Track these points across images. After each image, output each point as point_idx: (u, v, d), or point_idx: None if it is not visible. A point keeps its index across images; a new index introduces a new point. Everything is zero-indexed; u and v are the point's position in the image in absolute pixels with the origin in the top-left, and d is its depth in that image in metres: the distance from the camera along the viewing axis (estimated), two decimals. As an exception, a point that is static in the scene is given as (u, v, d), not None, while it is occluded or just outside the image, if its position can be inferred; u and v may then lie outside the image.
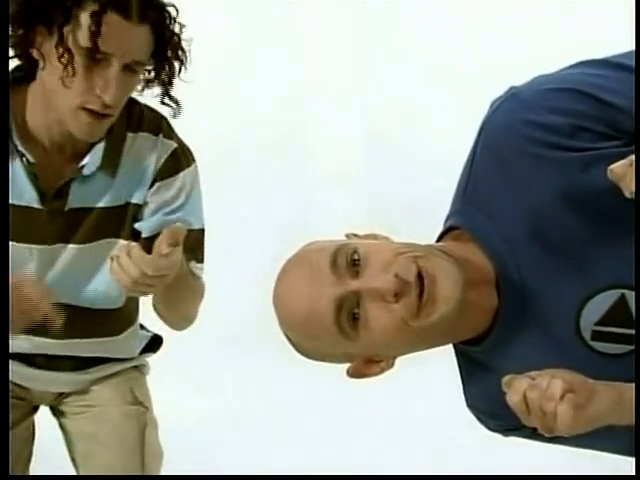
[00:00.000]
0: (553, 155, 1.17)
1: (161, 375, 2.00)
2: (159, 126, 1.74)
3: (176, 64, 1.67)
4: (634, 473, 1.28)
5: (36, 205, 1.67)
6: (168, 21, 1.62)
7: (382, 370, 1.25)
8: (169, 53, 1.65)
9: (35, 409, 1.93)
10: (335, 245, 1.19)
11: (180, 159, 1.75)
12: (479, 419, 1.36)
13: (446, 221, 1.29)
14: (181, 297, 1.73)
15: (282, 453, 2.96)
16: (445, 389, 3.32)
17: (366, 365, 1.24)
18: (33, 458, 1.93)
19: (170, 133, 1.76)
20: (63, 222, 1.70)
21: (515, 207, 1.20)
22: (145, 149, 1.73)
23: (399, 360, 1.25)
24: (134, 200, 1.73)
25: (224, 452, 2.89)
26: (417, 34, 4.01)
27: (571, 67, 1.25)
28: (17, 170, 1.64)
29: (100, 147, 1.67)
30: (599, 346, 1.21)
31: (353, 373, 1.25)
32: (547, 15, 3.83)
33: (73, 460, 1.95)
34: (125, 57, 1.56)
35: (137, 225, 1.76)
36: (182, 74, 1.69)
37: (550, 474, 2.76)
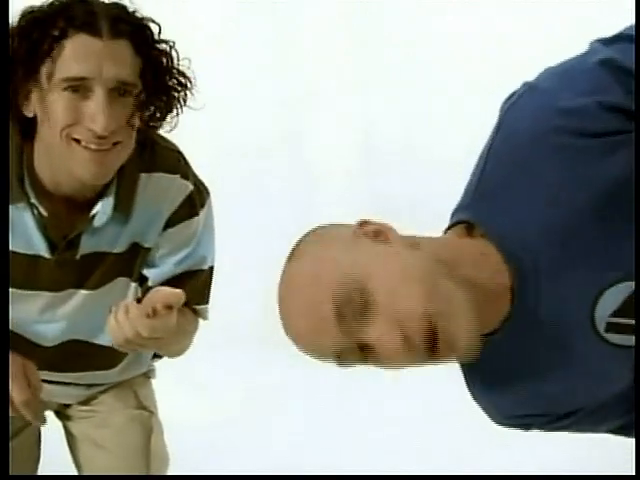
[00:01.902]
0: (576, 143, 1.15)
1: (162, 378, 2.00)
2: (175, 165, 1.65)
3: (176, 92, 1.57)
4: (634, 473, 1.28)
5: (46, 255, 1.62)
6: (150, 36, 1.52)
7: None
8: (163, 76, 1.55)
9: None
10: (339, 288, 1.11)
11: (195, 203, 1.67)
12: (488, 414, 1.35)
13: (454, 214, 1.26)
14: (174, 341, 1.69)
15: (285, 453, 2.96)
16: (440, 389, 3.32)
17: None
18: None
19: (186, 171, 1.67)
20: (74, 270, 1.64)
21: (531, 200, 1.18)
22: (160, 191, 1.64)
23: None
24: (146, 244, 1.67)
25: (225, 454, 2.89)
26: (417, 34, 4.00)
27: (585, 51, 1.24)
28: (27, 221, 1.58)
29: (111, 194, 1.58)
30: (613, 338, 1.20)
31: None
32: (547, 14, 3.83)
33: (76, 463, 1.94)
34: (107, 78, 1.46)
35: (146, 271, 1.70)
36: (188, 101, 1.59)
37: (551, 474, 2.76)
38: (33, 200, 1.57)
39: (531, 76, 1.26)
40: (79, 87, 1.46)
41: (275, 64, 4.09)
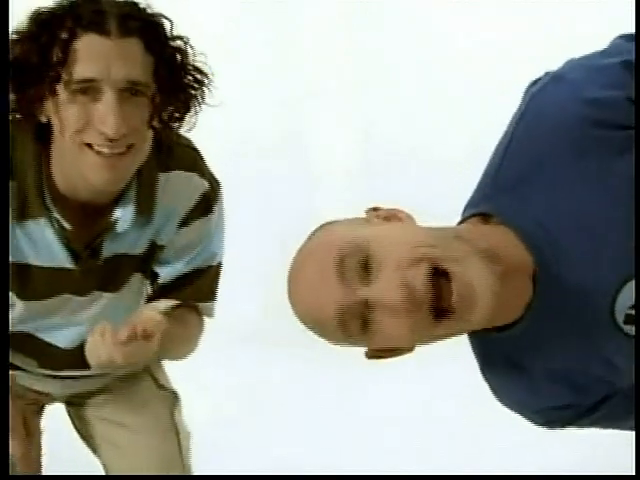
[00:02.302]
0: (602, 134, 1.14)
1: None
2: (192, 162, 1.62)
3: (192, 89, 1.53)
4: (634, 473, 1.28)
5: (70, 266, 1.59)
6: (162, 33, 1.48)
7: (402, 353, 1.20)
8: (177, 73, 1.50)
9: (42, 409, 1.90)
10: (346, 244, 1.11)
11: (210, 201, 1.65)
12: (512, 408, 1.33)
13: (468, 207, 1.24)
14: (173, 350, 1.69)
15: (285, 453, 2.96)
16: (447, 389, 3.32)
17: (384, 350, 1.19)
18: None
19: (203, 169, 1.64)
20: (97, 274, 1.62)
21: (553, 191, 1.16)
22: (177, 189, 1.61)
23: (419, 360, 1.21)
24: (160, 242, 1.65)
25: (225, 454, 2.89)
26: (417, 34, 4.00)
27: (610, 46, 1.23)
28: (48, 235, 1.55)
29: (131, 199, 1.54)
30: (631, 330, 1.19)
31: (371, 356, 1.20)
32: (547, 14, 3.83)
33: (96, 450, 1.91)
34: (117, 79, 1.41)
35: (158, 268, 1.68)
36: (206, 98, 1.55)
37: (551, 474, 2.76)
38: (55, 215, 1.53)
39: (531, 77, 1.25)
40: (88, 89, 1.41)
41: (275, 64, 4.09)
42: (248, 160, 4.03)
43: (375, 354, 1.20)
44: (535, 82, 1.23)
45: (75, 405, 1.92)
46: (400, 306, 1.07)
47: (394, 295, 1.07)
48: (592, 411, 1.28)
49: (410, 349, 1.19)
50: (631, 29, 1.24)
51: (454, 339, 1.23)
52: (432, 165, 3.95)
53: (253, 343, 3.48)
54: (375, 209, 1.22)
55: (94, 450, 1.94)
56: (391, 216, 1.20)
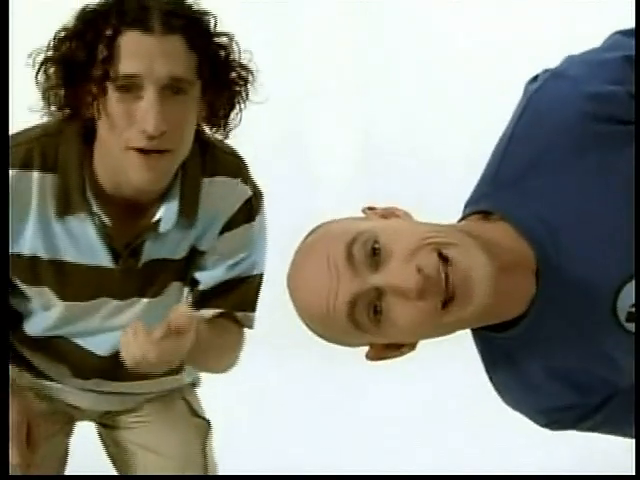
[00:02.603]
0: (603, 129, 1.14)
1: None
2: (236, 169, 1.61)
3: (237, 86, 1.51)
4: (634, 473, 1.28)
5: (109, 264, 1.57)
6: (205, 29, 1.46)
7: (403, 353, 1.20)
8: (222, 71, 1.48)
9: (72, 428, 1.86)
10: (352, 233, 1.12)
11: (253, 208, 1.64)
12: (519, 410, 1.32)
13: (469, 205, 1.24)
14: (211, 359, 1.65)
15: (285, 453, 2.96)
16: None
17: (386, 349, 1.19)
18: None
19: (247, 176, 1.63)
20: (136, 278, 1.60)
21: (554, 187, 1.16)
22: (221, 195, 1.59)
23: (420, 360, 1.21)
24: (201, 247, 1.62)
25: (226, 454, 2.89)
26: (417, 34, 4.00)
27: (605, 41, 1.23)
28: (89, 231, 1.53)
29: (175, 198, 1.53)
30: (632, 327, 1.19)
31: (373, 357, 1.20)
32: (547, 14, 3.82)
33: (123, 471, 1.87)
34: (159, 76, 1.39)
35: (198, 274, 1.65)
36: (250, 95, 1.54)
37: (551, 474, 2.76)
38: (95, 209, 1.51)
39: (530, 76, 1.25)
40: (131, 87, 1.40)
41: (275, 64, 4.09)
42: (248, 160, 4.03)
43: (377, 354, 1.20)
44: (534, 79, 1.23)
45: (108, 427, 1.89)
46: (415, 291, 1.07)
47: (410, 280, 1.07)
48: (595, 412, 1.27)
49: (413, 346, 1.19)
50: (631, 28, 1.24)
51: (455, 339, 1.23)
52: (432, 165, 3.95)
53: (253, 344, 3.48)
54: (371, 208, 1.22)
55: (121, 470, 1.91)
56: (388, 214, 1.20)
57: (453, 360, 2.76)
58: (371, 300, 1.10)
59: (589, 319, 1.19)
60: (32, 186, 1.50)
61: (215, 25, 1.48)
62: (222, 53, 1.48)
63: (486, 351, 1.27)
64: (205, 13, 1.47)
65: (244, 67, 1.52)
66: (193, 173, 1.55)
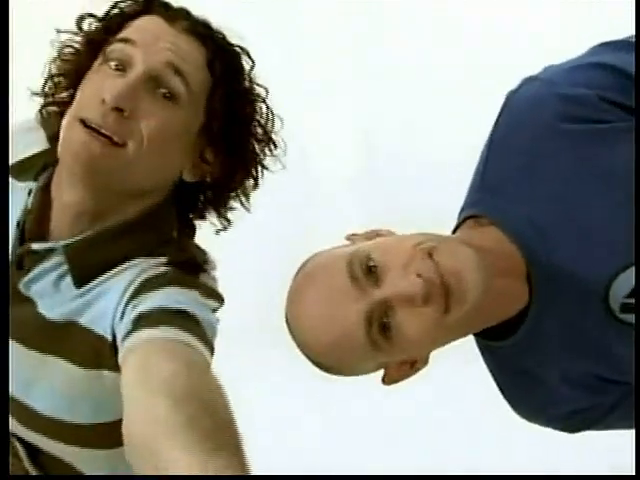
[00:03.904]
0: (578, 128, 1.16)
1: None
2: (192, 283, 1.22)
3: (256, 141, 1.27)
4: (634, 473, 1.28)
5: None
6: (232, 60, 1.26)
7: (417, 370, 1.22)
8: (238, 115, 1.24)
9: None
10: (347, 255, 1.13)
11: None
12: (532, 418, 1.33)
13: (462, 212, 1.26)
14: None
15: (285, 453, 2.96)
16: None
17: (400, 368, 1.20)
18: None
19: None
20: None
21: (539, 187, 1.18)
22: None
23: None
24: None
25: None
26: (417, 34, 4.00)
27: (587, 51, 1.26)
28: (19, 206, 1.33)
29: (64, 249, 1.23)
30: (629, 318, 1.19)
31: (389, 380, 1.22)
32: (547, 14, 3.83)
33: None
34: (155, 58, 1.17)
35: None
36: (268, 159, 1.30)
37: (551, 474, 2.76)
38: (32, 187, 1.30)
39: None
40: (120, 62, 1.18)
41: (275, 64, 4.09)
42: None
43: (392, 376, 1.21)
44: (512, 91, 1.25)
45: None
46: (420, 294, 1.09)
47: (414, 286, 1.09)
48: (611, 411, 1.28)
49: (426, 361, 1.21)
50: (631, 29, 1.25)
51: (457, 342, 1.24)
52: (433, 167, 3.95)
53: (252, 344, 3.48)
54: (354, 234, 1.23)
55: None
56: (372, 236, 1.21)
57: (454, 361, 2.76)
58: (380, 316, 1.11)
59: (585, 315, 1.20)
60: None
61: (251, 69, 1.28)
62: (245, 97, 1.26)
63: (495, 364, 1.28)
64: (243, 50, 1.28)
65: (266, 131, 1.28)
66: (124, 231, 1.23)
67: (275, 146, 1.30)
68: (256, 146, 1.29)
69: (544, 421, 1.32)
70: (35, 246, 1.23)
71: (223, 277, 1.87)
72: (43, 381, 1.24)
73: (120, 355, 1.14)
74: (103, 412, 1.24)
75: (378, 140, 4.15)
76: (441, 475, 2.73)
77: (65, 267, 1.23)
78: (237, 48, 1.28)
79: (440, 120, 3.99)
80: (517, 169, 1.20)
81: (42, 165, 1.28)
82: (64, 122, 1.19)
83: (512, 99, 1.22)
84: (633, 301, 1.19)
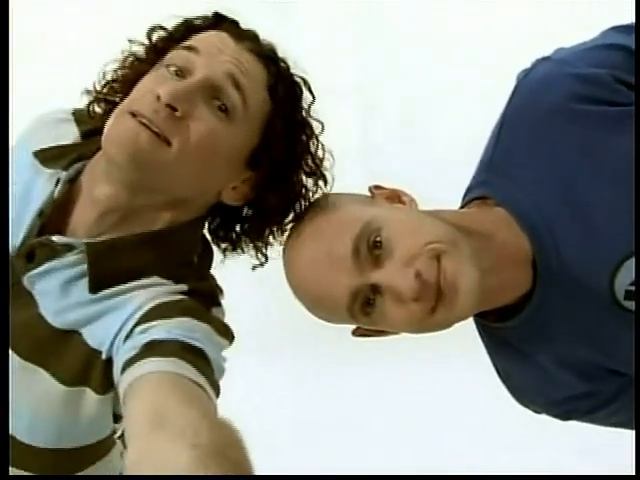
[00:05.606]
0: (592, 110, 1.16)
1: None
2: (198, 312, 1.15)
3: (300, 185, 1.21)
4: (634, 473, 1.28)
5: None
6: (293, 88, 1.23)
7: (388, 334, 1.24)
8: (296, 146, 1.20)
9: None
10: (358, 226, 1.14)
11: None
12: (530, 403, 1.34)
13: (468, 192, 1.26)
14: None
15: (285, 453, 2.96)
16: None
17: (374, 330, 1.24)
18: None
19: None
20: None
21: (547, 171, 1.18)
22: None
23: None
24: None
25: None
26: (417, 34, 4.01)
27: (598, 35, 1.26)
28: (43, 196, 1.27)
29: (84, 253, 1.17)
30: (632, 305, 1.20)
31: (359, 335, 1.25)
32: (547, 14, 3.83)
33: None
34: (217, 69, 1.14)
35: None
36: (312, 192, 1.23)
37: (551, 474, 2.76)
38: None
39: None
40: (179, 69, 1.16)
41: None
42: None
43: (363, 332, 1.24)
44: (525, 71, 1.25)
45: None
46: (411, 295, 1.10)
47: (408, 284, 1.10)
48: (611, 401, 1.28)
49: (397, 333, 1.23)
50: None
51: (456, 340, 1.24)
52: (432, 166, 3.95)
53: (252, 345, 3.48)
54: (378, 187, 1.23)
55: None
56: (394, 197, 1.22)
57: (453, 360, 2.76)
58: (367, 295, 1.14)
59: (589, 302, 1.20)
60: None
61: (310, 105, 1.25)
62: (302, 132, 1.23)
63: (493, 345, 1.29)
64: (305, 83, 1.27)
65: (319, 168, 1.25)
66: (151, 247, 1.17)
67: (326, 183, 1.25)
68: (306, 180, 1.24)
69: (540, 405, 1.33)
70: (55, 239, 1.16)
71: (218, 275, 1.87)
72: (15, 393, 1.14)
73: (122, 378, 1.06)
74: (67, 437, 1.17)
75: (378, 140, 4.15)
76: (441, 475, 2.73)
77: (82, 268, 1.16)
78: (299, 79, 1.26)
79: (440, 120, 4.00)
80: (526, 151, 1.19)
81: (76, 157, 1.23)
82: (113, 115, 1.16)
83: (524, 81, 1.22)
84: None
